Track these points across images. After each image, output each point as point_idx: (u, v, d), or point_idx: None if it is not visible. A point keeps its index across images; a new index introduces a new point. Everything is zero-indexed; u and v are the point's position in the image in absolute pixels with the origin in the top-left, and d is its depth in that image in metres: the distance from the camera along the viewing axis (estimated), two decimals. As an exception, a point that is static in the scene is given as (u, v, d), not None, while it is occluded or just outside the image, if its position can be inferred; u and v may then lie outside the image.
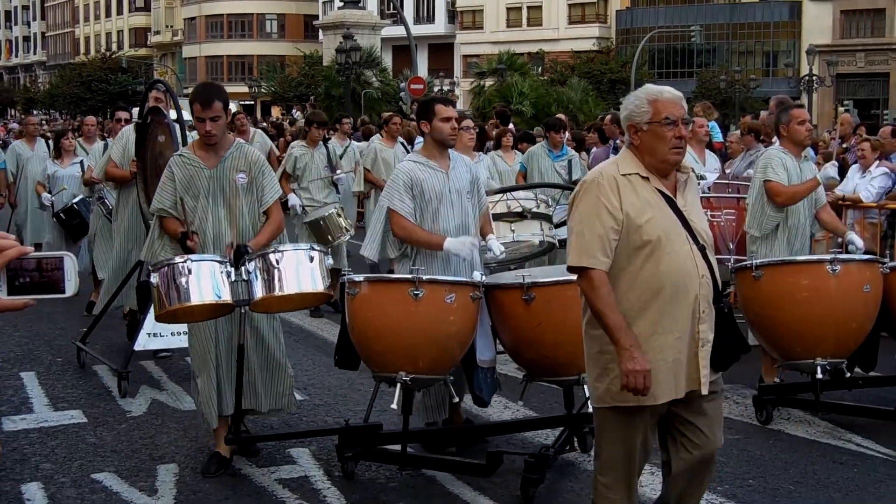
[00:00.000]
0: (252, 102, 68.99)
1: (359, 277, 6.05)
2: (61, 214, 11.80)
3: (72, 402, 8.01)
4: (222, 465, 6.35)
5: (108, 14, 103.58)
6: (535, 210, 8.16)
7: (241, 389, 6.26)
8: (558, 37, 69.64)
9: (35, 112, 68.12)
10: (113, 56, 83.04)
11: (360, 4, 51.64)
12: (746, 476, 6.31)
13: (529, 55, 64.42)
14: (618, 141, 15.36)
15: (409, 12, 69.44)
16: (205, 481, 6.23)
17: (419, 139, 16.84)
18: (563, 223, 9.65)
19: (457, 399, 6.31)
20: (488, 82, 53.57)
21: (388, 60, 60.97)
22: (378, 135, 14.95)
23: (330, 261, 6.25)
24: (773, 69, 63.55)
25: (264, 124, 28.67)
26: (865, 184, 11.13)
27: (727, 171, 12.99)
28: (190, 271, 5.86)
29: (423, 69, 60.49)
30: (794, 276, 6.84)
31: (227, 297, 5.95)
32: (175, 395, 8.14)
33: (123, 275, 8.91)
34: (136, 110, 10.62)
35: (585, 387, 5.95)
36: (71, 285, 2.31)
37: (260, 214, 6.41)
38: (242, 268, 6.01)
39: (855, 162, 12.01)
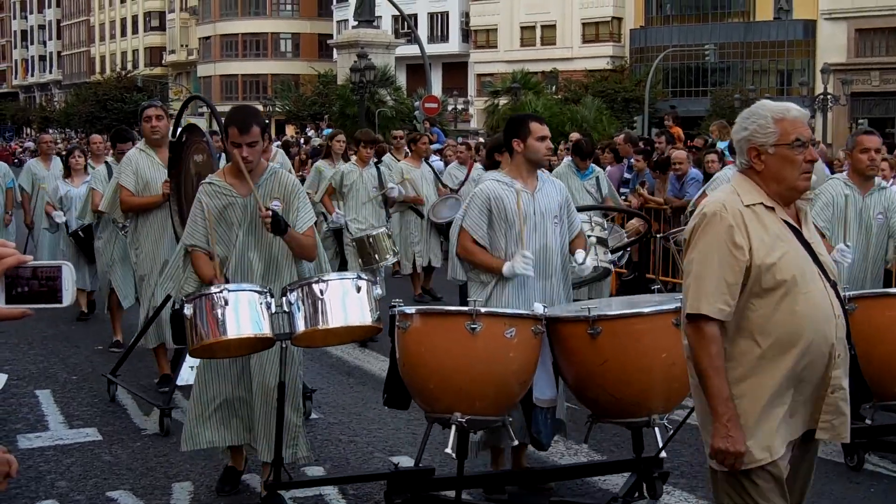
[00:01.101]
0: (267, 121, 69.19)
1: (410, 309, 5.59)
2: (80, 233, 11.45)
3: (87, 419, 8.02)
4: (235, 480, 6.32)
5: (123, 33, 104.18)
6: (589, 234, 7.74)
7: (282, 433, 5.79)
8: (572, 55, 69.69)
9: (51, 131, 68.45)
10: (128, 75, 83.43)
11: (375, 24, 51.82)
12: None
13: (543, 74, 64.44)
14: (632, 160, 15.33)
15: (423, 31, 69.63)
16: (220, 499, 6.22)
17: (434, 158, 16.87)
18: (618, 249, 9.23)
19: (516, 442, 5.80)
20: (502, 101, 53.55)
21: (402, 79, 61.10)
22: (388, 154, 14.90)
23: (379, 291, 5.79)
24: (787, 88, 63.36)
25: (277, 142, 28.73)
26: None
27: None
28: (226, 302, 5.44)
29: (437, 88, 60.59)
30: (893, 310, 6.26)
31: (266, 330, 5.52)
32: (186, 408, 8.13)
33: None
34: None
35: (656, 429, 5.58)
36: (68, 295, 2.29)
37: None
38: (284, 298, 5.63)
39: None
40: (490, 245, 6.10)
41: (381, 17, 62.27)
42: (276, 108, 66.96)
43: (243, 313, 5.47)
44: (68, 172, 12.31)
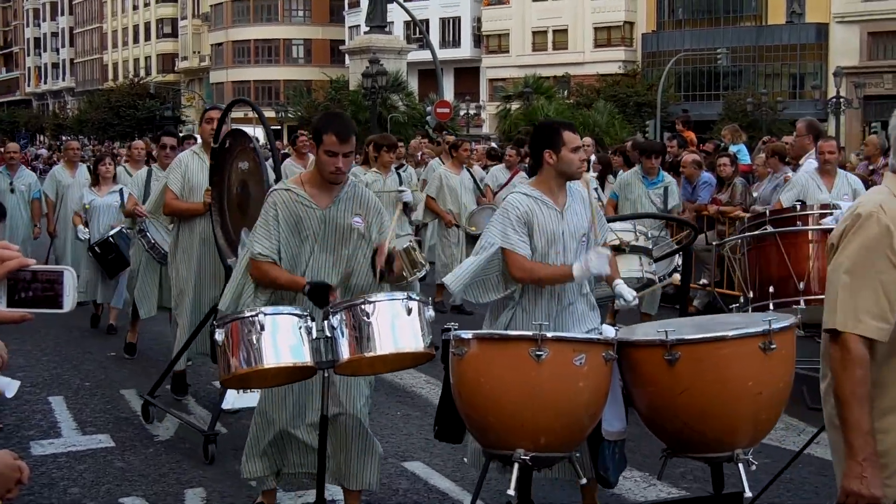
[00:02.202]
0: (279, 127, 69.34)
1: (467, 334, 4.94)
2: (96, 248, 11.08)
3: (100, 426, 8.03)
4: None
5: (136, 40, 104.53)
6: (633, 243, 7.36)
7: (324, 471, 5.30)
8: (584, 60, 69.67)
9: (64, 138, 68.63)
10: (141, 82, 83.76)
11: (387, 29, 51.90)
12: (776, 500, 6.23)
13: (555, 78, 64.47)
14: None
15: (434, 37, 69.70)
16: (233, 507, 6.20)
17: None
18: (662, 258, 8.97)
19: (584, 480, 5.28)
20: (514, 106, 53.67)
21: (414, 84, 61.18)
22: (437, 158, 14.47)
23: (431, 312, 5.11)
24: (799, 91, 63.29)
25: (285, 150, 28.67)
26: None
27: (754, 194, 12.95)
28: (262, 328, 4.86)
29: (449, 93, 60.63)
30: None
31: (307, 358, 4.94)
32: (203, 419, 8.11)
33: (199, 321, 7.90)
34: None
35: (740, 465, 4.88)
36: (69, 301, 2.27)
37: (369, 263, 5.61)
38: (325, 322, 5.01)
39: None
40: None
41: (392, 22, 62.33)
42: (289, 115, 67.09)
43: (282, 340, 4.93)
44: (96, 181, 11.86)
